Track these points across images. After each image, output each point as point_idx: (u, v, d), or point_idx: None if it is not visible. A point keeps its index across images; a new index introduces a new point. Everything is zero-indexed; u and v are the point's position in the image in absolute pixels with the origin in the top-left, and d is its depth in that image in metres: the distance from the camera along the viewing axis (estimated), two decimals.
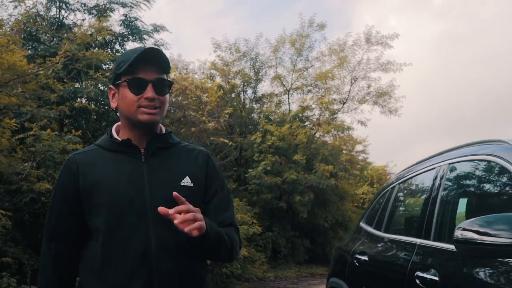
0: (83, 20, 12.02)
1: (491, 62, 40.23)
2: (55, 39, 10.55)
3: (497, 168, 2.33)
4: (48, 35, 10.98)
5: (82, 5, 11.85)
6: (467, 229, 1.93)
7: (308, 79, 17.77)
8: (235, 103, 16.83)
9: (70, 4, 11.76)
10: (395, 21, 37.07)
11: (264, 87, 26.49)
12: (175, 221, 1.54)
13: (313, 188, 14.49)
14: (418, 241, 2.76)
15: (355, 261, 3.63)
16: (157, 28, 12.53)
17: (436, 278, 2.37)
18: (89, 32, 8.79)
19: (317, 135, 16.96)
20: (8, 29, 10.35)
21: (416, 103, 37.29)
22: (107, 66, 10.59)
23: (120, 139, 1.83)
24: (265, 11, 34.71)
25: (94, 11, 11.86)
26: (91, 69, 8.86)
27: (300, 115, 16.61)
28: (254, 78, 17.89)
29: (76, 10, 11.93)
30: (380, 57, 16.67)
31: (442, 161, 2.90)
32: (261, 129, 15.53)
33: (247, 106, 17.75)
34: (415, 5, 40.89)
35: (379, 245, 3.51)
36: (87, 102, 9.23)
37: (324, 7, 34.06)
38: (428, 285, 2.43)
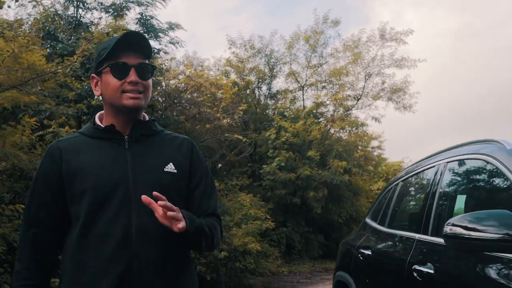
0: (99, 18, 12.28)
1: (508, 57, 39.78)
2: (72, 37, 10.79)
3: (490, 167, 2.44)
4: (66, 33, 11.22)
5: (99, 4, 12.10)
6: (456, 224, 2.05)
7: (323, 75, 17.87)
8: (249, 100, 16.99)
9: (87, 3, 12.01)
10: (412, 15, 36.83)
11: (279, 84, 26.63)
12: (157, 215, 1.56)
13: (327, 184, 14.59)
14: (417, 236, 2.88)
15: (359, 255, 3.76)
16: (172, 26, 12.71)
17: (432, 271, 2.50)
18: (106, 31, 8.98)
19: (332, 131, 17.03)
20: (28, 28, 10.61)
21: (432, 98, 37.06)
22: None
23: (103, 126, 1.82)
24: (280, 7, 34.73)
25: (110, 9, 12.09)
26: None
27: (314, 111, 16.70)
28: (269, 74, 18.02)
29: (93, 9, 12.18)
30: (394, 53, 16.71)
31: (441, 160, 3.02)
32: (275, 125, 15.65)
33: (262, 103, 17.88)
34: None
35: (382, 240, 3.64)
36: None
37: (341, 2, 33.98)
38: (424, 278, 2.55)
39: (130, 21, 12.19)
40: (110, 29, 9.00)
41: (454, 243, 2.08)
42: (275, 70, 18.11)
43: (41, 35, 10.32)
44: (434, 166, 3.09)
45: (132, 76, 1.74)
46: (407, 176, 3.70)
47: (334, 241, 16.69)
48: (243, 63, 17.62)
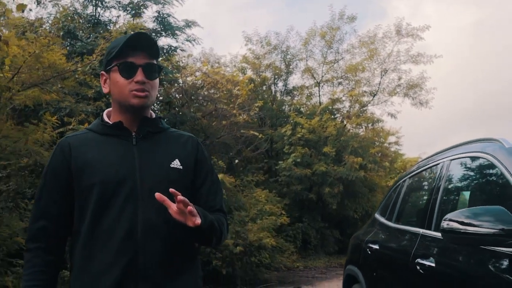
0: (118, 17, 12.50)
1: None
2: (91, 36, 11.01)
3: (488, 165, 2.54)
4: (85, 32, 11.45)
5: (117, 3, 12.31)
6: (453, 219, 2.16)
7: (339, 71, 17.88)
8: (265, 96, 17.10)
9: (105, 2, 12.22)
10: (431, 9, 36.52)
11: (295, 80, 26.69)
12: (171, 211, 1.62)
13: (342, 180, 14.64)
14: (421, 231, 2.99)
15: (368, 249, 3.88)
16: (188, 24, 12.85)
17: (433, 265, 2.61)
18: (124, 30, 9.17)
19: (348, 127, 17.06)
20: (48, 27, 10.86)
21: (450, 94, 36.74)
22: None
23: (111, 123, 1.86)
24: (299, 1, 34.63)
25: (128, 8, 12.29)
26: None
27: (330, 107, 16.75)
28: (285, 71, 18.09)
29: (111, 8, 12.39)
30: (411, 49, 16.66)
31: (446, 157, 3.12)
32: (291, 121, 15.74)
33: (278, 99, 17.97)
34: None
35: (389, 234, 3.75)
36: None
37: None
38: (426, 270, 2.67)
39: (148, 19, 12.39)
40: (127, 28, 9.17)
41: (451, 237, 2.20)
42: (291, 67, 18.17)
43: (61, 33, 10.55)
44: (439, 164, 3.20)
45: (139, 76, 1.78)
46: (414, 173, 3.81)
47: (350, 236, 16.64)
48: (259, 59, 17.72)
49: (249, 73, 17.55)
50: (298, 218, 14.98)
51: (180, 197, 1.59)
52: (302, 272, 12.43)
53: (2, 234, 5.73)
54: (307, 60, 18.01)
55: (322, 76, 17.99)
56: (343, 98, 17.50)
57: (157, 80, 1.86)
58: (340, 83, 18.03)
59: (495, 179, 2.48)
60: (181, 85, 13.24)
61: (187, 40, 12.88)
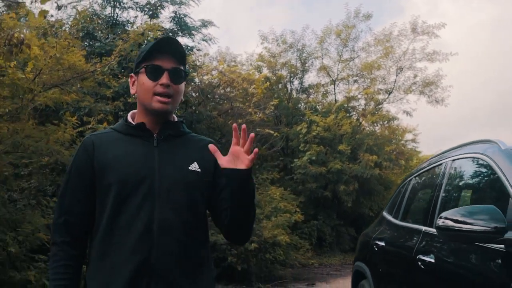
0: (135, 17, 12.75)
1: None
2: (110, 36, 11.25)
3: (485, 166, 2.66)
4: (103, 32, 11.69)
5: (135, 4, 12.55)
6: (448, 218, 2.29)
7: (354, 69, 17.94)
8: (281, 94, 17.22)
9: (123, 3, 12.47)
10: (448, 5, 36.22)
11: (311, 78, 26.76)
12: (222, 161, 1.74)
13: (357, 177, 14.71)
14: (423, 228, 3.12)
15: (374, 246, 4.01)
16: (205, 24, 13.06)
17: (433, 261, 2.74)
18: (141, 32, 9.36)
19: (365, 125, 17.09)
20: (67, 28, 11.11)
21: (467, 91, 36.43)
22: None
23: (134, 123, 1.91)
24: None
25: (146, 9, 12.53)
26: None
27: (346, 105, 16.81)
28: (301, 69, 18.19)
29: (129, 8, 12.64)
30: (426, 47, 16.65)
31: (448, 157, 3.24)
32: (306, 119, 15.84)
33: (294, 97, 18.08)
34: None
35: (394, 232, 3.88)
36: None
37: None
38: (427, 266, 2.80)
39: (165, 20, 12.63)
40: (145, 29, 9.36)
41: (446, 234, 2.32)
42: (307, 65, 18.27)
43: (80, 34, 10.80)
44: (442, 164, 3.32)
45: (164, 79, 1.82)
46: (419, 172, 3.93)
47: None
48: (275, 58, 17.84)
49: (265, 71, 17.68)
50: (314, 216, 15.09)
51: (252, 134, 1.72)
52: (317, 269, 12.54)
53: (25, 230, 5.95)
54: (322, 58, 18.12)
55: (338, 74, 18.09)
56: (359, 96, 17.57)
57: (182, 85, 1.90)
58: (355, 81, 18.11)
59: (490, 179, 2.60)
60: (197, 84, 13.42)
61: (203, 40, 13.11)
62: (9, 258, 5.66)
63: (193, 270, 1.82)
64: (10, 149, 5.90)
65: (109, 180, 1.80)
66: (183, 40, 13.30)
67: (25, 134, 5.84)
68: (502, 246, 2.14)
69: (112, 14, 12.38)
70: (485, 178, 2.73)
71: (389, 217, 4.16)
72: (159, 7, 12.52)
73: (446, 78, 18.33)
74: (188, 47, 12.78)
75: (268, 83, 15.54)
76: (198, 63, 13.78)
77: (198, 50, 13.15)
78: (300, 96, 18.57)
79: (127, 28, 11.96)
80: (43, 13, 5.09)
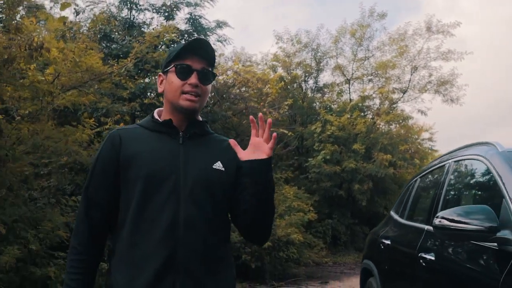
0: (151, 19, 12.96)
1: None
2: (126, 38, 11.46)
3: (482, 167, 2.77)
4: (120, 34, 11.91)
5: (151, 5, 12.76)
6: (444, 217, 2.41)
7: (369, 68, 17.97)
8: (296, 94, 17.32)
9: (140, 5, 12.69)
10: (466, 2, 35.89)
11: (325, 77, 26.79)
12: (242, 155, 1.82)
13: (371, 176, 14.77)
14: (426, 227, 3.23)
15: (381, 244, 4.13)
16: (219, 24, 13.23)
17: (433, 258, 2.85)
18: (157, 34, 9.54)
19: (380, 124, 17.09)
20: (85, 30, 11.35)
21: (484, 89, 36.09)
22: None
23: (161, 120, 1.94)
24: None
25: (161, 10, 12.72)
26: (158, 69, 9.65)
27: (360, 104, 16.85)
28: (316, 68, 18.27)
29: (145, 10, 12.85)
30: (441, 46, 16.63)
31: (451, 159, 3.34)
32: (321, 119, 15.92)
33: (309, 96, 18.16)
34: None
35: (399, 230, 3.99)
36: (155, 98, 10.08)
37: None
38: (427, 264, 2.91)
39: (180, 21, 12.82)
40: (160, 32, 9.53)
41: (442, 233, 2.44)
42: (321, 64, 18.33)
43: (98, 37, 11.02)
44: (445, 165, 3.42)
45: (193, 79, 1.86)
46: (424, 173, 4.04)
47: None
48: (290, 57, 17.94)
49: (280, 71, 17.78)
50: (328, 215, 15.18)
51: (269, 119, 1.81)
52: (331, 268, 12.64)
53: (45, 228, 6.15)
54: (337, 58, 18.18)
55: (352, 74, 18.12)
56: (373, 95, 17.59)
57: (210, 86, 1.93)
58: (370, 80, 18.13)
59: (487, 180, 2.70)
60: (213, 84, 13.58)
61: (218, 41, 13.27)
62: (30, 255, 5.86)
63: (215, 267, 1.85)
64: (30, 150, 6.10)
65: (135, 174, 1.82)
66: None
67: (45, 135, 6.04)
68: (495, 244, 2.25)
69: (129, 16, 12.60)
70: (483, 179, 2.83)
71: (396, 216, 4.28)
72: (174, 9, 12.70)
73: (461, 76, 18.25)
74: None
75: (282, 82, 15.65)
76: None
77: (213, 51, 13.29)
78: (315, 95, 18.65)
79: (143, 30, 12.17)
80: (62, 20, 5.30)
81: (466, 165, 3.12)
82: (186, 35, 12.75)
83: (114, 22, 12.13)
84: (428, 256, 2.92)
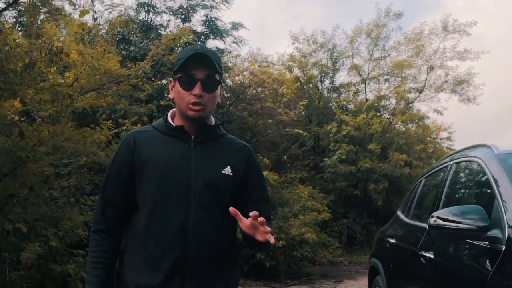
0: (168, 21, 13.19)
1: None
2: (144, 40, 11.68)
3: (479, 168, 2.89)
4: (138, 36, 12.14)
5: (168, 8, 12.98)
6: (439, 217, 2.53)
7: (385, 68, 18.00)
8: (312, 94, 17.41)
9: (157, 8, 12.92)
10: (486, 0, 35.51)
11: (341, 77, 26.78)
12: (242, 225, 1.78)
13: (387, 176, 14.78)
14: (427, 226, 3.34)
15: (386, 243, 4.24)
16: (235, 26, 13.40)
17: (432, 256, 2.97)
18: (173, 35, 9.74)
19: (397, 123, 17.07)
20: (103, 33, 11.59)
21: (503, 89, 35.63)
22: None
23: (174, 125, 2.00)
24: None
25: (178, 13, 12.94)
26: None
27: (376, 104, 16.88)
28: (332, 68, 18.36)
29: (162, 13, 13.09)
30: (457, 46, 16.59)
31: (452, 160, 3.45)
32: (336, 119, 15.98)
33: (325, 96, 18.23)
34: None
35: (404, 229, 4.11)
36: (171, 100, 10.25)
37: None
38: (427, 261, 3.03)
39: (196, 23, 13.03)
40: (176, 35, 9.72)
41: (436, 232, 2.56)
42: (337, 64, 18.42)
43: (116, 39, 11.26)
44: (446, 166, 3.54)
45: (197, 89, 1.90)
46: (428, 174, 4.15)
47: None
48: (306, 58, 18.04)
49: (296, 71, 17.89)
50: (344, 214, 15.24)
51: (261, 219, 1.74)
52: (346, 267, 12.73)
53: (65, 226, 6.37)
54: (353, 58, 18.25)
55: (368, 73, 18.16)
56: (389, 95, 17.61)
57: (217, 92, 1.97)
58: (386, 80, 18.14)
59: (483, 181, 2.82)
60: (229, 85, 13.76)
61: (233, 42, 13.45)
62: (50, 252, 6.08)
63: (222, 267, 1.93)
64: (51, 151, 6.31)
65: (148, 177, 1.91)
66: (214, 43, 13.69)
67: (65, 136, 6.25)
68: (487, 242, 2.36)
69: (146, 19, 12.83)
70: (480, 180, 2.94)
71: (402, 216, 4.39)
72: (191, 11, 12.91)
73: (478, 75, 18.17)
74: (219, 50, 13.13)
75: (298, 83, 15.75)
76: (230, 65, 14.13)
77: (229, 52, 13.49)
78: (331, 95, 18.72)
79: (160, 32, 12.39)
80: (82, 26, 5.50)
81: (465, 167, 3.23)
82: (202, 37, 12.97)
83: (132, 25, 12.37)
84: (427, 254, 3.04)
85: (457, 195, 3.26)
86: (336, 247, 13.86)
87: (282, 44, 44.19)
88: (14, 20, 9.38)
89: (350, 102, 18.66)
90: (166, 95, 10.40)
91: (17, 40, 6.10)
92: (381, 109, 17.48)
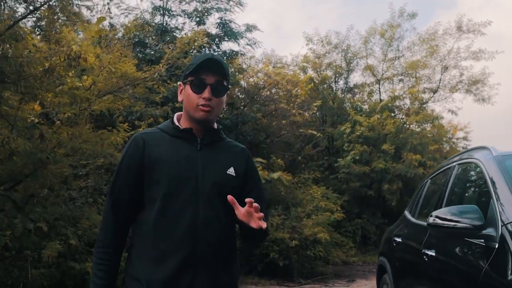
0: (183, 24, 13.40)
1: None
2: (159, 43, 11.89)
3: (477, 170, 3.01)
4: (153, 38, 12.36)
5: (183, 11, 13.20)
6: (438, 216, 2.65)
7: (399, 68, 18.01)
8: (326, 94, 17.49)
9: (172, 11, 13.14)
10: None
11: (356, 78, 26.79)
12: (238, 213, 1.90)
13: (401, 177, 14.81)
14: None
15: (393, 242, 4.37)
16: (249, 28, 13.57)
17: (434, 254, 3.10)
18: (188, 39, 9.93)
19: (411, 124, 17.07)
20: (120, 36, 11.82)
21: None
22: None
23: (182, 127, 2.09)
24: None
25: (193, 15, 13.14)
26: None
27: (390, 105, 16.90)
28: (346, 69, 18.43)
29: (177, 16, 13.30)
30: (471, 45, 16.56)
31: (455, 162, 3.57)
32: (350, 119, 16.05)
33: (339, 97, 18.29)
34: None
35: (409, 228, 4.23)
36: None
37: None
38: (429, 259, 3.16)
39: (211, 26, 13.22)
40: (190, 39, 9.89)
41: (434, 230, 2.69)
42: (351, 65, 18.47)
43: (133, 42, 11.48)
44: (450, 167, 3.66)
45: (206, 93, 2.01)
46: (434, 174, 4.27)
47: None
48: (320, 58, 18.13)
49: (310, 72, 18.00)
50: (358, 214, 15.30)
51: (256, 204, 1.87)
52: (359, 267, 12.80)
53: (83, 225, 6.58)
54: (367, 58, 18.29)
55: (383, 74, 18.19)
56: (403, 96, 17.62)
57: (224, 97, 2.09)
58: (401, 80, 18.16)
59: (481, 181, 2.94)
60: (243, 86, 13.93)
61: (247, 44, 13.61)
62: (69, 250, 6.29)
63: (227, 260, 2.06)
64: (69, 153, 6.52)
65: (158, 176, 1.98)
66: (228, 45, 13.89)
67: (83, 139, 6.45)
68: (482, 240, 2.49)
69: (162, 22, 13.06)
70: (478, 181, 3.06)
71: (408, 215, 4.52)
72: (205, 14, 13.11)
73: (493, 75, 18.10)
74: (233, 52, 13.31)
75: (312, 84, 15.85)
76: (244, 66, 14.30)
77: (242, 54, 13.66)
78: (345, 96, 18.79)
79: (175, 35, 12.60)
80: (99, 33, 5.69)
81: (466, 168, 3.35)
82: (216, 39, 13.16)
83: (148, 28, 12.61)
84: (429, 252, 3.16)
85: (458, 195, 3.38)
86: (350, 247, 13.95)
87: (297, 44, 44.23)
88: (33, 24, 9.65)
89: (364, 103, 18.71)
90: None
91: (37, 45, 6.30)
92: (395, 110, 17.50)
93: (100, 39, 9.23)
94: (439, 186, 3.94)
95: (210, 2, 13.10)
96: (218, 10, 12.99)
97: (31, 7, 6.35)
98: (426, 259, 3.19)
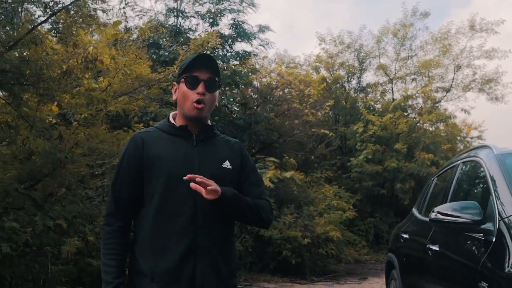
0: (197, 25, 13.57)
1: None
2: (173, 44, 12.07)
3: (479, 167, 3.12)
4: (167, 40, 12.54)
5: (196, 13, 13.37)
6: (439, 212, 2.77)
7: (412, 68, 18.02)
8: (338, 94, 17.56)
9: (186, 12, 13.33)
10: None
11: (368, 77, 26.77)
12: (203, 194, 1.98)
13: (413, 176, 14.85)
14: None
15: (401, 238, 4.48)
16: (262, 29, 13.70)
17: (437, 249, 3.22)
18: (201, 41, 10.09)
19: (424, 123, 17.07)
20: (135, 37, 12.02)
21: None
22: None
23: (178, 125, 2.20)
24: None
25: (206, 17, 13.31)
26: None
27: (403, 104, 16.92)
28: (358, 68, 18.48)
29: (191, 17, 13.49)
30: (484, 44, 16.53)
31: (459, 160, 3.68)
32: (363, 119, 16.11)
33: (352, 96, 18.35)
34: None
35: (416, 225, 4.35)
36: None
37: None
38: (433, 254, 3.27)
39: (224, 27, 13.37)
40: (203, 41, 10.04)
41: (436, 225, 2.81)
42: (364, 64, 18.52)
43: (147, 44, 11.67)
44: (455, 165, 3.77)
45: (200, 88, 2.12)
46: (441, 172, 4.38)
47: None
48: (332, 58, 18.21)
49: (323, 72, 18.08)
50: (370, 213, 15.37)
51: (198, 179, 1.97)
52: (372, 265, 12.87)
53: (100, 223, 6.75)
54: (380, 58, 18.32)
55: (395, 73, 18.22)
56: (416, 95, 17.63)
57: (217, 93, 2.20)
58: (413, 79, 18.17)
59: (482, 179, 3.05)
60: (256, 86, 14.07)
61: (260, 45, 13.74)
62: (87, 247, 6.48)
63: (226, 250, 2.17)
64: (86, 152, 6.70)
65: (158, 172, 2.09)
66: (241, 46, 14.02)
67: (100, 139, 6.63)
68: (481, 234, 2.61)
69: (176, 23, 13.24)
70: (479, 178, 3.17)
71: (416, 213, 4.63)
72: (218, 15, 13.27)
73: (506, 74, 18.03)
74: (246, 52, 13.46)
75: (324, 84, 15.93)
76: (257, 67, 14.43)
77: (255, 55, 13.79)
78: (358, 95, 18.85)
79: (189, 36, 12.78)
80: (115, 36, 5.86)
81: (470, 166, 3.46)
82: (229, 40, 13.31)
83: (162, 30, 12.79)
84: (434, 247, 3.28)
85: (462, 192, 3.49)
86: (363, 245, 14.04)
87: (310, 44, 44.22)
88: (50, 26, 9.86)
89: (377, 102, 18.75)
90: None
91: (54, 48, 6.49)
92: (407, 109, 17.52)
93: (116, 41, 9.44)
94: (444, 184, 4.05)
95: (223, 3, 13.25)
96: (231, 11, 13.15)
97: (48, 10, 6.55)
98: (430, 254, 3.31)
